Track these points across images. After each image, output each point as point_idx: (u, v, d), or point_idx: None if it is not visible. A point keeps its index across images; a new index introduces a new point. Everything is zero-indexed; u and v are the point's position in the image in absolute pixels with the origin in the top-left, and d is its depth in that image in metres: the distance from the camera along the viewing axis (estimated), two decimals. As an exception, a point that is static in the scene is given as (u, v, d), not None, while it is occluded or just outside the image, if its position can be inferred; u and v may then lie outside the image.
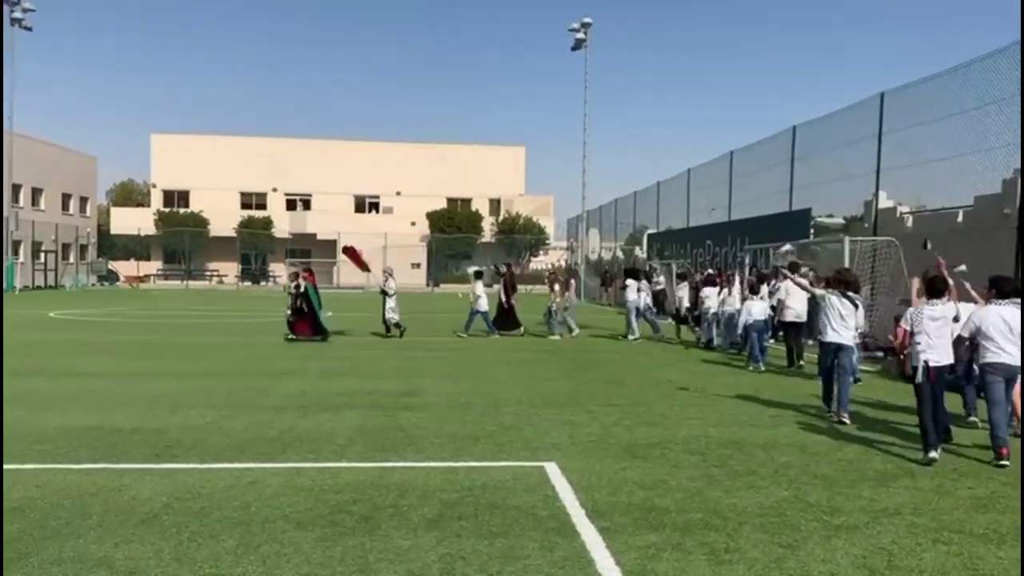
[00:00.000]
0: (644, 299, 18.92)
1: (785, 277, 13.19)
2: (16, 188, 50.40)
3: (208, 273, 61.39)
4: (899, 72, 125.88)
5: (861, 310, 9.79)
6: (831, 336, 9.16)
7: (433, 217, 61.36)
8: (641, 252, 35.81)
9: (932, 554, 4.72)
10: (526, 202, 65.10)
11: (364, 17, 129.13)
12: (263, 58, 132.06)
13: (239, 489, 5.80)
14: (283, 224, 62.22)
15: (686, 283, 19.64)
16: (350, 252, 18.98)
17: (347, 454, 6.96)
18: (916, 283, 8.28)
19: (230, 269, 61.45)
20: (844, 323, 9.17)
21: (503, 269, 20.44)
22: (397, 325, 18.08)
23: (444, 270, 59.07)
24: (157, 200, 64.89)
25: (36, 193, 57.38)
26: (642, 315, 18.80)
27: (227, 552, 4.55)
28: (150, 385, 10.72)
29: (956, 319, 7.48)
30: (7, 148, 44.71)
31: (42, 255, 51.66)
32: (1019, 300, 7.34)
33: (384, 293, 18.25)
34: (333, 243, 59.36)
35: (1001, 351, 7.09)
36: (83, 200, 64.90)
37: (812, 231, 20.32)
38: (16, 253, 47.23)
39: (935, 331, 7.21)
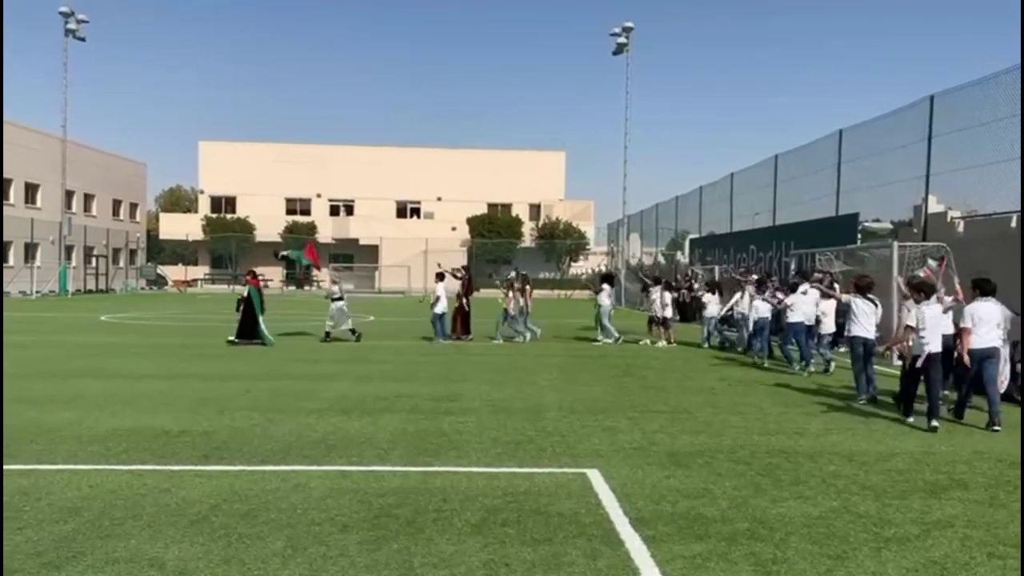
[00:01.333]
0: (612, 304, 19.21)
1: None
2: (69, 194, 51.73)
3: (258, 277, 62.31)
4: (949, 74, 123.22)
5: (879, 308, 11.21)
6: (857, 331, 10.75)
7: (473, 222, 61.57)
8: (683, 257, 35.53)
9: (987, 569, 4.59)
10: (566, 207, 65.02)
11: (406, 25, 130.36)
12: (307, 66, 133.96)
13: (285, 491, 5.87)
14: (326, 229, 62.97)
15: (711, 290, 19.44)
16: (309, 249, 19.24)
17: (390, 458, 7.01)
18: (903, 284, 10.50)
19: (275, 274, 62.38)
20: (868, 320, 10.79)
21: (461, 273, 20.24)
22: (352, 331, 18.02)
23: (486, 276, 59.19)
24: (204, 206, 66.15)
25: (88, 199, 58.90)
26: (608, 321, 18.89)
27: (274, 554, 4.61)
28: (197, 387, 10.92)
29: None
30: (61, 156, 45.98)
31: (93, 260, 52.97)
32: (994, 298, 9.17)
33: (329, 298, 18.28)
34: (375, 248, 59.98)
35: (991, 339, 8.86)
36: (133, 206, 66.46)
37: (859, 236, 19.95)
38: (69, 258, 48.49)
39: (934, 326, 8.91)
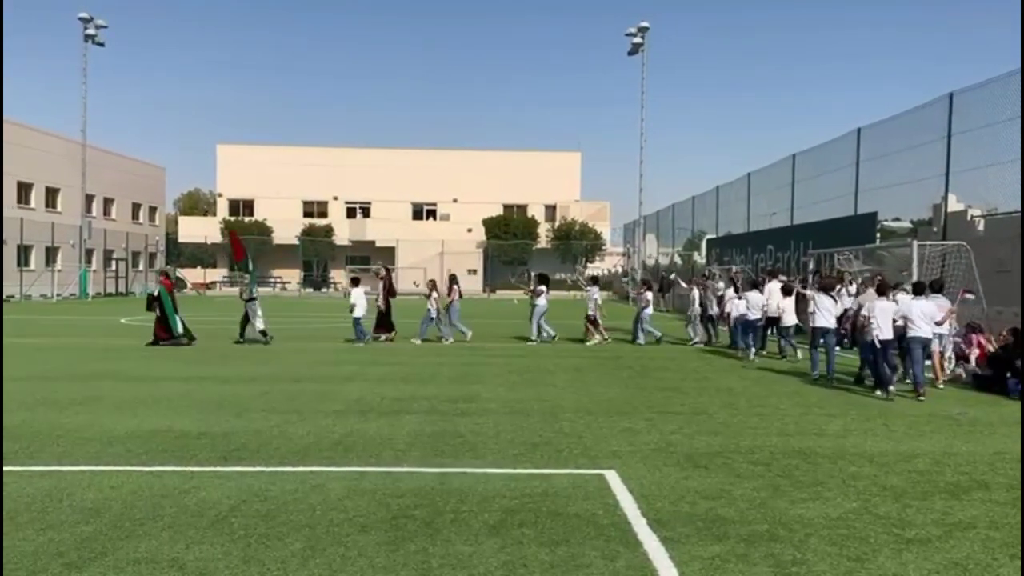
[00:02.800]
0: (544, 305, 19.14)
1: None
2: (89, 198, 52.25)
3: (271, 280, 62.74)
4: (968, 71, 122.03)
5: (839, 303, 13.54)
6: (820, 322, 12.68)
7: (489, 224, 61.65)
8: (700, 257, 35.40)
9: (1009, 570, 4.54)
10: (582, 208, 64.98)
11: (420, 27, 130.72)
12: (324, 69, 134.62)
13: (304, 492, 5.90)
14: (343, 232, 63.30)
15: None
16: (233, 239, 19.36)
17: (407, 459, 7.03)
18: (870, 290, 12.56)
19: (293, 276, 62.76)
20: (829, 313, 12.74)
21: (382, 272, 20.19)
22: (263, 333, 18.02)
23: (501, 277, 59.24)
24: (223, 209, 66.66)
25: (108, 203, 59.46)
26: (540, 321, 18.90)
27: (293, 555, 4.63)
28: (215, 389, 10.99)
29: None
30: (82, 160, 46.45)
31: (113, 263, 53.50)
32: (926, 296, 11.52)
33: (248, 299, 18.28)
34: (392, 250, 60.19)
35: (918, 329, 11.08)
36: (152, 209, 67.04)
37: (878, 235, 19.80)
38: (89, 261, 48.98)
39: (885, 317, 11.21)
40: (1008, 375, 11.35)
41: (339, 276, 61.16)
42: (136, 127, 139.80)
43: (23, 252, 47.01)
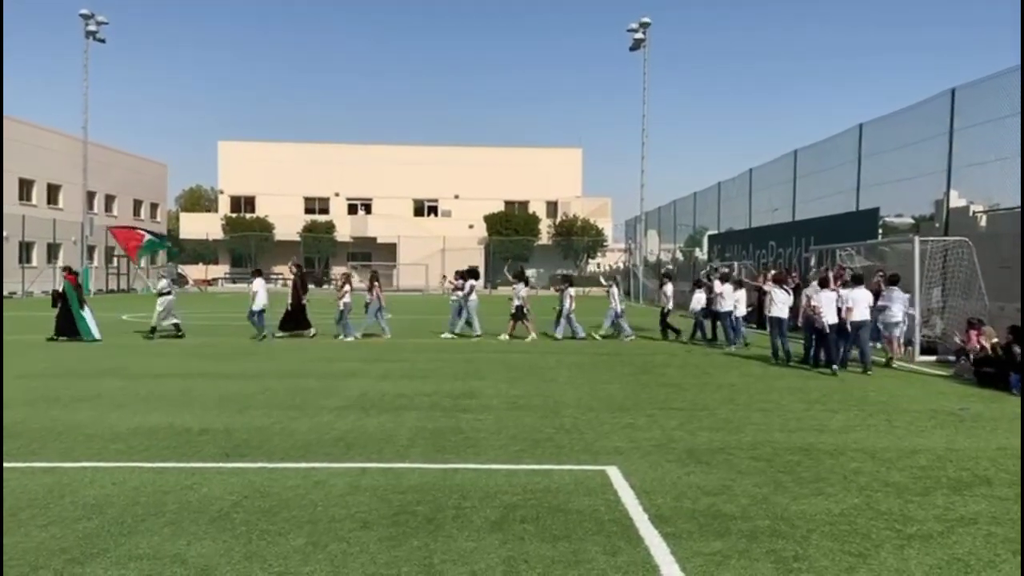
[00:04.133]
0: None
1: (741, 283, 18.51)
2: (91, 195, 52.24)
3: (273, 276, 62.78)
4: (971, 67, 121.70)
5: (791, 296, 15.12)
6: (775, 312, 14.51)
7: (490, 220, 61.59)
8: (701, 253, 35.38)
9: (1012, 566, 4.54)
10: (583, 204, 64.89)
11: (422, 23, 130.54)
12: (324, 66, 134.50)
13: (306, 488, 5.91)
14: (345, 228, 63.26)
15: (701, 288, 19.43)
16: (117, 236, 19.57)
17: (409, 455, 7.03)
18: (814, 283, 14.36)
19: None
20: (783, 304, 14.53)
21: (294, 269, 20.18)
22: (175, 327, 18.09)
23: (502, 273, 59.24)
24: (224, 206, 66.63)
25: (109, 200, 59.48)
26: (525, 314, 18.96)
27: (295, 551, 4.64)
28: (217, 386, 11.00)
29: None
30: (84, 157, 46.46)
31: (115, 260, 53.52)
32: (862, 285, 13.80)
33: (160, 293, 18.36)
34: (393, 246, 60.18)
35: (858, 314, 13.24)
36: (154, 206, 67.04)
37: (880, 231, 19.77)
38: (91, 258, 48.99)
39: (828, 305, 13.32)
40: (1010, 372, 11.34)
41: (341, 272, 61.19)
42: (138, 124, 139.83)
43: (25, 249, 47.05)
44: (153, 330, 18.14)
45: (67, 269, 18.46)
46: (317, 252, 62.64)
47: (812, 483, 6.22)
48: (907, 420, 8.99)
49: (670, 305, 19.66)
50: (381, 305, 18.75)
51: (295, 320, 18.85)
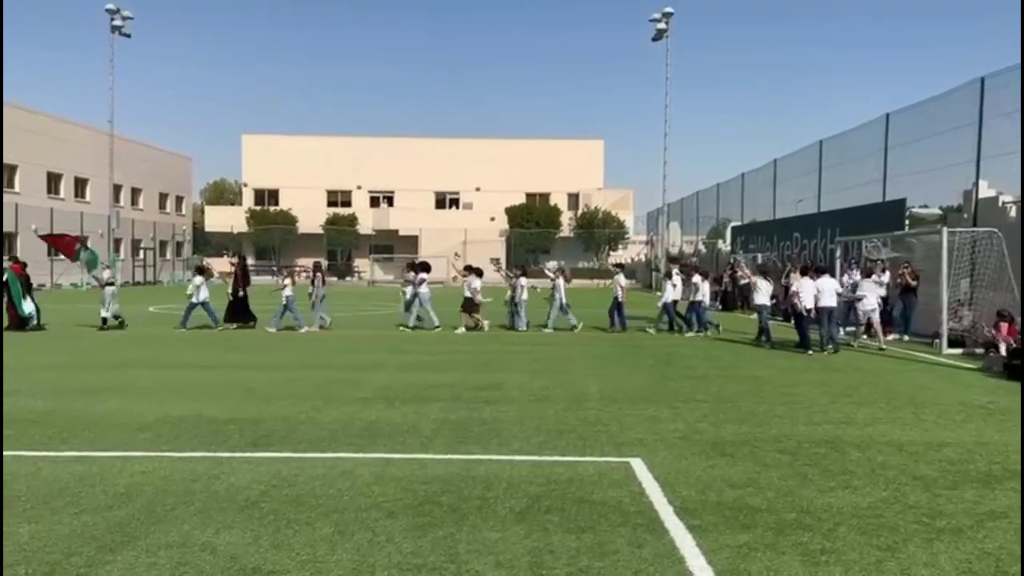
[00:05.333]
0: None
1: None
2: (117, 188, 52.83)
3: (297, 269, 63.19)
4: (999, 55, 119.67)
5: (772, 285, 16.71)
6: (760, 300, 16.15)
7: (512, 212, 61.53)
8: (724, 245, 35.13)
9: (1044, 561, 4.48)
10: (605, 196, 64.64)
11: (443, 14, 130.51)
12: (346, 59, 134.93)
13: (332, 478, 5.95)
14: (367, 221, 63.49)
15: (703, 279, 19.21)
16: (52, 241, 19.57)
17: (433, 446, 7.06)
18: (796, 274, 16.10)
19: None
20: (766, 293, 16.19)
21: (235, 261, 20.19)
22: (116, 317, 18.35)
23: (525, 265, 59.24)
24: (248, 199, 67.08)
25: (135, 193, 60.17)
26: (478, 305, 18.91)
27: (323, 539, 4.68)
28: (243, 376, 11.11)
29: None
30: (109, 150, 46.97)
31: (141, 252, 54.15)
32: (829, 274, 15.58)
33: (104, 284, 18.57)
34: (415, 239, 60.35)
35: (825, 300, 14.62)
36: (179, 199, 67.75)
37: (907, 222, 19.53)
38: (117, 250, 49.59)
39: (808, 293, 14.75)
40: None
41: (364, 264, 61.41)
42: (163, 118, 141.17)
43: (53, 242, 47.63)
44: (104, 321, 18.35)
45: (13, 259, 18.71)
46: (340, 245, 62.93)
47: (839, 476, 6.17)
48: (935, 413, 8.88)
49: (677, 296, 19.32)
50: (321, 296, 18.86)
51: (240, 311, 19.03)
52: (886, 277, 17.86)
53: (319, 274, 18.85)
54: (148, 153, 61.08)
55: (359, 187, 66.59)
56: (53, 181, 51.57)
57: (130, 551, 4.46)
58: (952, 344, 14.97)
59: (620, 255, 62.05)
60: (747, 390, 10.38)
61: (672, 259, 21.66)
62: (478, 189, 65.60)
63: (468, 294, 18.68)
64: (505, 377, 11.26)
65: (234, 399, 9.31)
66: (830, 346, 14.55)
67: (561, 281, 19.19)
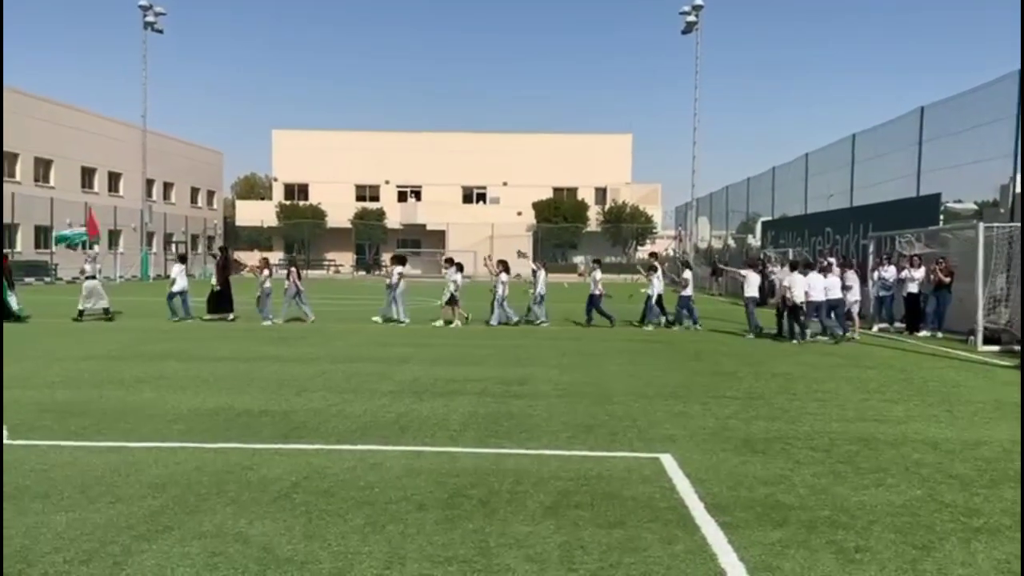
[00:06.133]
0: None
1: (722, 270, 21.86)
2: (149, 183, 53.57)
3: (325, 263, 63.66)
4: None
5: (759, 278, 17.84)
6: (750, 292, 17.15)
7: (539, 207, 61.47)
8: (754, 240, 34.82)
9: (1086, 563, 4.38)
10: (633, 190, 64.34)
11: (471, 8, 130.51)
12: (375, 54, 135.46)
13: (363, 470, 5.99)
14: (394, 215, 63.78)
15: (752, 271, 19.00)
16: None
17: (462, 439, 7.08)
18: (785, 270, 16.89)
19: (346, 259, 63.61)
20: (755, 286, 17.28)
21: (218, 255, 20.28)
22: (106, 311, 18.54)
23: (551, 259, 59.14)
24: (278, 193, 67.68)
25: (167, 187, 60.94)
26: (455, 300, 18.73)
27: (354, 531, 4.71)
28: (275, 368, 11.21)
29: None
30: (143, 146, 47.58)
31: (173, 246, 54.84)
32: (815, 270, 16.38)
33: (87, 277, 18.72)
34: (442, 233, 60.50)
35: (814, 295, 15.56)
36: (210, 193, 68.49)
37: (942, 217, 19.21)
38: (150, 244, 50.30)
39: (799, 287, 15.52)
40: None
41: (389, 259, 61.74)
42: (195, 113, 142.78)
43: (88, 235, 48.43)
44: (81, 313, 18.56)
45: None
46: (368, 239, 63.30)
47: (872, 474, 6.09)
48: (970, 411, 8.74)
49: (690, 291, 19.11)
50: (299, 290, 19.03)
51: (221, 302, 19.31)
52: (919, 273, 17.62)
53: (294, 268, 19.21)
54: (180, 148, 61.82)
55: (387, 182, 66.90)
56: (87, 175, 52.40)
57: (164, 540, 4.52)
58: (988, 341, 14.73)
59: (647, 250, 61.82)
60: (778, 387, 10.28)
61: (652, 254, 21.68)
62: (505, 183, 65.61)
63: (452, 288, 18.69)
64: (534, 372, 11.26)
65: (266, 391, 9.40)
66: (825, 336, 15.75)
67: (542, 274, 19.16)
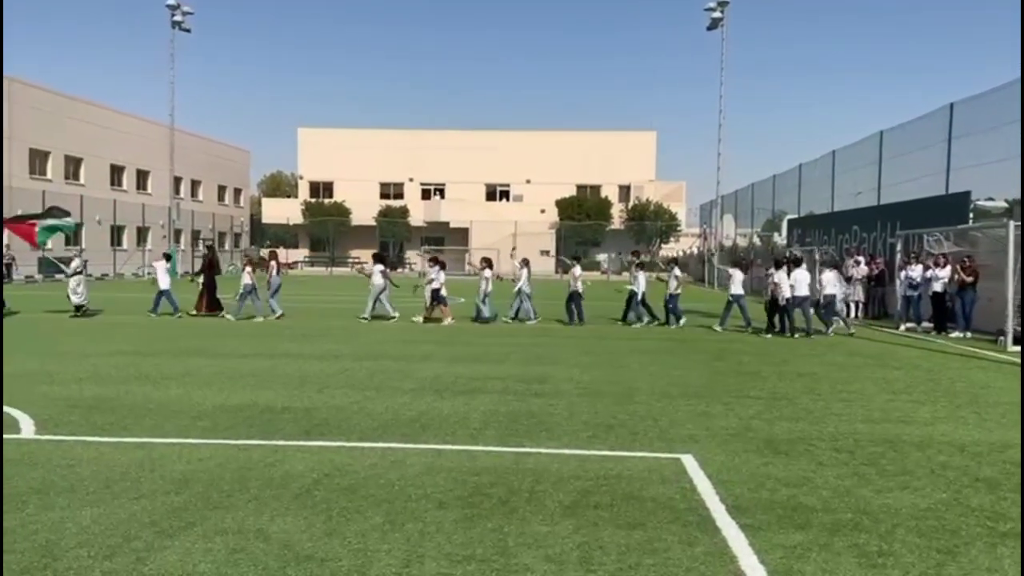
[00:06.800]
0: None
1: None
2: (177, 180, 54.19)
3: (350, 260, 64.03)
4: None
5: (744, 276, 18.24)
6: (735, 290, 17.62)
7: (562, 204, 61.36)
8: (780, 238, 34.51)
9: (1116, 570, 4.29)
10: (656, 188, 64.02)
11: (493, 6, 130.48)
12: (397, 52, 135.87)
13: (383, 468, 6.02)
14: (418, 213, 63.98)
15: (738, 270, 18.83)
16: (11, 227, 19.76)
17: (482, 438, 7.08)
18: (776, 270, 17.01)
19: (370, 256, 63.79)
20: (739, 283, 17.70)
21: (205, 253, 20.54)
22: (78, 307, 18.66)
23: (573, 256, 59.01)
24: (304, 191, 68.15)
25: (195, 185, 61.61)
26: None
27: (374, 528, 4.73)
28: (298, 366, 11.29)
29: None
30: (170, 144, 48.10)
31: (200, 243, 55.44)
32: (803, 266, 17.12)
33: (72, 272, 18.93)
34: (466, 231, 60.59)
35: (800, 290, 16.42)
36: (237, 191, 69.15)
37: (971, 215, 18.92)
38: (177, 241, 50.86)
39: (784, 284, 16.27)
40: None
41: (415, 256, 61.95)
42: (221, 111, 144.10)
43: (116, 232, 49.16)
44: (78, 308, 18.80)
45: None
46: (392, 236, 63.55)
47: (897, 476, 6.02)
48: (999, 413, 8.60)
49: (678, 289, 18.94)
50: (277, 285, 19.23)
51: (209, 300, 19.53)
52: (944, 272, 17.39)
53: (274, 263, 19.41)
54: (207, 146, 62.46)
55: (411, 179, 67.11)
56: (116, 173, 53.10)
57: (187, 536, 4.57)
58: (1018, 341, 14.48)
59: (671, 248, 61.48)
60: (802, 387, 10.18)
61: (634, 252, 21.52)
62: (528, 181, 65.56)
63: (436, 286, 18.64)
64: (555, 370, 11.24)
65: (289, 388, 9.47)
66: (806, 331, 16.38)
67: (525, 271, 19.01)
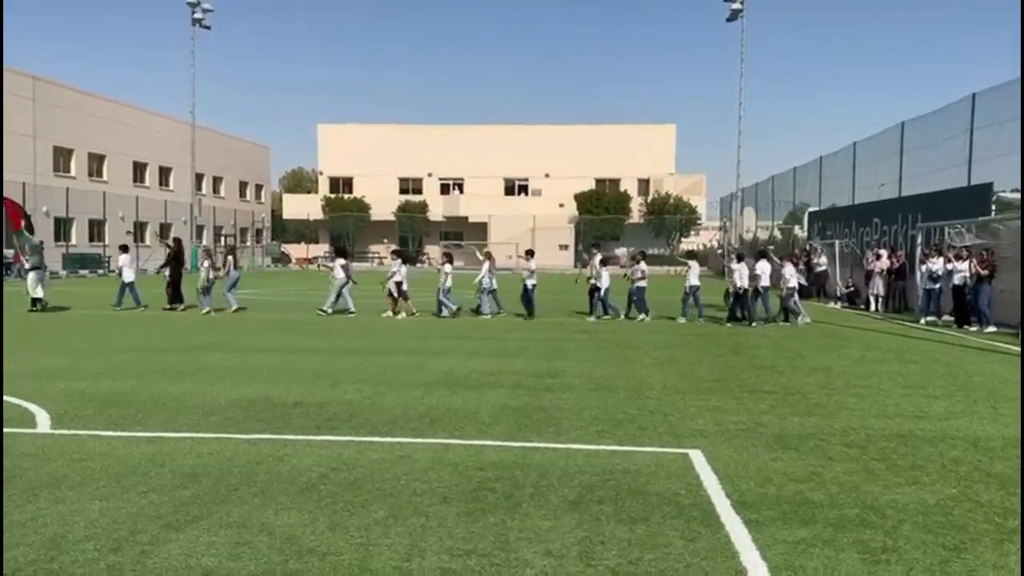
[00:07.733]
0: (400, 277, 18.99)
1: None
2: (198, 177, 54.64)
3: (369, 255, 64.31)
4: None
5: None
6: (692, 280, 18.28)
7: (581, 199, 61.24)
8: (801, 231, 34.23)
9: None
10: (676, 181, 63.73)
11: (508, 3, 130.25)
12: (417, 49, 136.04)
13: (391, 462, 6.05)
14: (437, 208, 64.14)
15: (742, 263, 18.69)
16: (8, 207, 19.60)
17: (491, 432, 7.10)
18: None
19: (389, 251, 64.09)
20: (696, 275, 18.52)
21: (171, 245, 20.39)
22: (35, 301, 18.67)
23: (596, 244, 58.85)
24: (324, 187, 68.55)
25: (216, 181, 62.11)
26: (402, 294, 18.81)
27: (376, 523, 4.75)
28: (312, 361, 11.37)
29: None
30: (192, 140, 48.51)
31: (222, 239, 55.93)
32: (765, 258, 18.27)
33: (30, 269, 18.97)
34: (485, 225, 60.65)
35: (763, 280, 17.51)
36: (258, 187, 69.65)
37: (993, 207, 18.66)
38: (199, 237, 51.34)
39: (742, 273, 17.21)
40: None
41: (434, 252, 62.13)
42: (243, 109, 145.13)
43: (139, 228, 49.70)
44: (35, 302, 18.82)
45: None
46: (411, 231, 63.77)
47: (907, 471, 5.96)
48: (1016, 408, 8.48)
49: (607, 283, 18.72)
50: (235, 279, 19.46)
51: (173, 294, 19.79)
52: (963, 265, 17.17)
53: (231, 257, 19.64)
54: (228, 143, 62.95)
55: (430, 174, 67.29)
56: (139, 170, 53.67)
57: (192, 530, 4.62)
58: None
59: (692, 241, 61.18)
60: (816, 381, 10.10)
61: (594, 243, 21.64)
62: (547, 175, 65.51)
63: (399, 279, 18.66)
64: (568, 365, 11.23)
65: (302, 383, 9.53)
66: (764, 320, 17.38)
67: (487, 265, 18.80)
